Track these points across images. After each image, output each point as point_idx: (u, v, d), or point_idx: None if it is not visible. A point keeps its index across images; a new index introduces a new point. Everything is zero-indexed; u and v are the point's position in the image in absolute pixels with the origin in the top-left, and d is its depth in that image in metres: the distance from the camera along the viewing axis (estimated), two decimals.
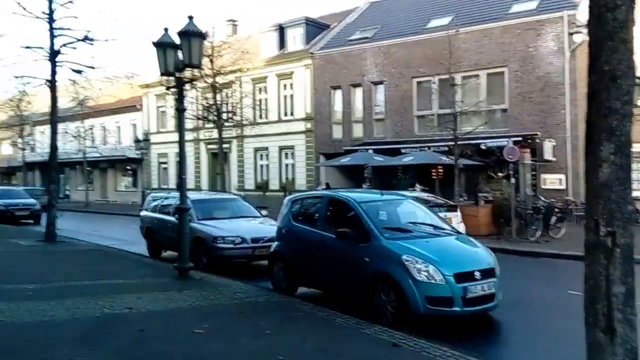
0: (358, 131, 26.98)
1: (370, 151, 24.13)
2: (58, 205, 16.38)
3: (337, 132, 27.66)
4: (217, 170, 35.23)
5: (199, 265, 11.06)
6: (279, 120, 30.07)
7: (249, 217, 12.46)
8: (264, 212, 12.92)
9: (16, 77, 24.24)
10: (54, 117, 16.37)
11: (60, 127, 48.81)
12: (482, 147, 20.39)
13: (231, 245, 10.93)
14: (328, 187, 24.83)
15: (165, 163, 39.48)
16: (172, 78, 10.33)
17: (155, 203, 14.16)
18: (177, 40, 9.83)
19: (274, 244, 9.39)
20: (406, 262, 6.91)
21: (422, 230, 7.90)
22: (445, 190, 19.61)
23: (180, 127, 10.07)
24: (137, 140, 33.38)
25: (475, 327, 7.25)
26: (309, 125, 28.71)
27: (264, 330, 6.33)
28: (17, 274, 9.86)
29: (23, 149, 47.67)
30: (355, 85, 26.90)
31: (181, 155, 9.99)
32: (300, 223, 8.88)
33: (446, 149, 20.55)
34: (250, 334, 6.15)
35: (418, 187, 19.92)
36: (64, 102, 48.90)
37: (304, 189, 26.38)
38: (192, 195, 12.55)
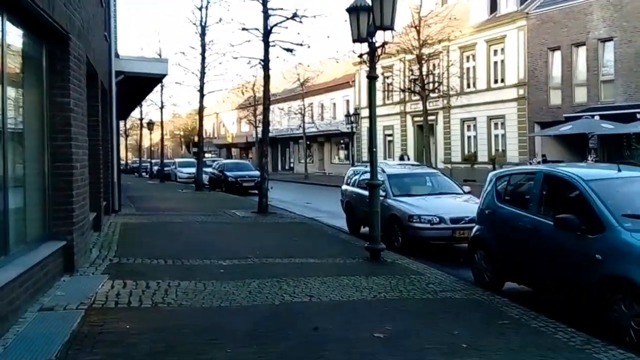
0: (581, 96, 23.18)
1: (596, 117, 20.46)
2: (282, 176, 16.62)
3: (555, 98, 24.12)
4: (423, 143, 33.82)
5: (394, 244, 9.91)
6: (488, 89, 27.36)
7: (450, 194, 10.89)
8: (466, 189, 11.18)
9: (234, 57, 24.93)
10: (267, 94, 16.42)
11: (285, 105, 52.11)
12: None
13: (428, 225, 9.53)
14: (545, 160, 21.77)
15: None
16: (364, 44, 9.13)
17: (355, 177, 13.30)
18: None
19: (475, 227, 7.74)
20: None
21: None
22: None
23: (370, 96, 8.84)
24: (347, 115, 33.35)
25: None
26: (521, 92, 25.59)
27: (458, 342, 4.86)
28: (220, 247, 9.72)
29: (256, 127, 51.29)
30: (578, 45, 23.05)
31: (371, 126, 8.78)
32: (507, 204, 7.08)
33: None
34: (440, 348, 4.74)
35: None
36: (288, 84, 51.82)
37: (515, 162, 23.59)
38: (388, 169, 11.40)
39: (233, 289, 6.65)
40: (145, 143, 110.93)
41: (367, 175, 12.32)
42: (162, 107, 38.46)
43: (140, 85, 18.78)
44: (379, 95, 38.19)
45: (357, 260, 8.69)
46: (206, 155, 75.07)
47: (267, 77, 16.10)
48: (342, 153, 45.61)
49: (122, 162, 71.77)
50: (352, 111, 37.01)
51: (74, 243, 7.26)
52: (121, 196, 15.30)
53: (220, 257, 8.69)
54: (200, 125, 27.61)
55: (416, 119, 32.90)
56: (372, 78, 8.79)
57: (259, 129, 54.42)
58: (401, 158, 25.55)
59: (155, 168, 41.59)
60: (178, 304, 6.01)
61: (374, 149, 8.70)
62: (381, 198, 9.44)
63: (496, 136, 27.44)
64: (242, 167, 27.16)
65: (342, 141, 44.65)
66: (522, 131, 25.39)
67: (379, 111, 38.96)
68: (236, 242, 10.43)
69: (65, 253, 7.20)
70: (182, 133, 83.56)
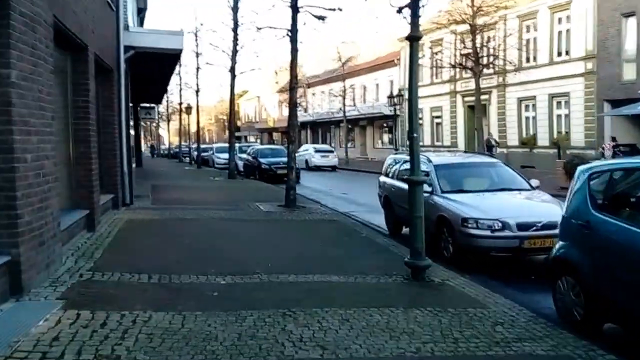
0: None
1: None
2: None
3: (630, 72, 21.17)
4: (475, 125, 31.22)
5: (442, 254, 7.90)
6: (550, 63, 24.52)
7: (514, 191, 8.71)
8: (534, 182, 8.93)
9: (258, 28, 22.99)
10: (294, 72, 14.48)
11: (326, 88, 50.07)
12: None
13: (487, 233, 7.45)
14: (616, 144, 19.12)
15: (420, 118, 36.60)
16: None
17: (395, 167, 11.28)
18: None
19: (558, 244, 5.65)
20: None
21: None
22: None
23: (412, 64, 6.80)
24: (390, 97, 31.08)
25: None
26: (589, 66, 22.69)
27: None
28: (226, 256, 7.95)
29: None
30: None
31: (411, 105, 6.76)
32: (609, 214, 4.96)
33: None
34: None
35: None
36: (329, 65, 49.73)
37: (581, 146, 20.93)
38: (435, 159, 9.30)
39: (219, 329, 4.85)
40: (193, 128, 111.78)
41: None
42: (197, 91, 37.08)
43: (159, 63, 17.21)
44: (426, 73, 35.68)
45: (394, 279, 6.73)
46: (250, 139, 74.59)
47: (294, 51, 14.15)
48: (385, 137, 43.35)
49: (165, 147, 71.85)
50: (396, 92, 34.64)
51: (20, 258, 5.61)
52: (133, 187, 13.73)
53: (221, 271, 6.91)
54: (232, 107, 26.01)
55: (467, 98, 30.33)
56: (414, 39, 6.76)
57: (300, 113, 53.01)
58: (488, 145, 22.88)
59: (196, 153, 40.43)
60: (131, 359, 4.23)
61: (414, 135, 6.67)
62: (426, 195, 7.46)
63: (559, 117, 24.65)
64: (277, 154, 25.35)
65: (385, 125, 42.39)
66: (589, 110, 22.55)
67: (426, 91, 36.62)
68: (248, 247, 8.63)
69: (9, 271, 5.56)
70: (225, 117, 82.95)
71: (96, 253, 7.88)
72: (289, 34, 14.23)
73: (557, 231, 7.13)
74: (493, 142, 23.13)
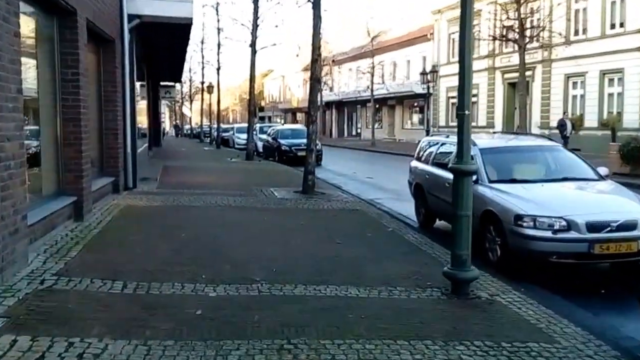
0: None
1: None
2: (349, 142, 13.43)
3: None
4: (516, 104, 29.35)
5: (488, 257, 6.53)
6: (603, 36, 22.49)
7: (579, 180, 7.21)
8: (603, 170, 7.39)
9: None
10: (316, 42, 13.06)
11: (354, 65, 48.37)
12: None
13: (547, 234, 6.01)
14: None
15: (454, 97, 34.80)
16: None
17: (430, 150, 9.86)
18: None
19: None
20: None
21: None
22: None
23: (464, 15, 5.30)
24: (423, 73, 29.38)
25: None
26: None
27: None
28: (224, 256, 6.71)
29: (321, 89, 47.53)
30: None
31: (464, 74, 5.28)
32: None
33: None
34: None
35: None
36: (357, 42, 47.96)
37: (635, 127, 19.04)
38: (480, 142, 7.86)
39: None
40: (216, 107, 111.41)
41: (447, 148, 8.98)
42: (218, 69, 35.87)
43: (170, 35, 16.00)
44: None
45: (430, 294, 5.39)
46: (275, 120, 73.39)
47: (317, 18, 12.74)
48: (415, 117, 41.65)
49: (187, 127, 71.20)
50: (429, 69, 32.86)
51: None
52: (137, 169, 12.59)
53: (214, 277, 5.69)
54: (251, 85, 24.70)
55: (507, 75, 28.45)
56: None
57: (325, 92, 51.47)
58: (562, 125, 20.53)
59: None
60: None
61: (465, 112, 5.24)
62: None
63: (610, 95, 22.68)
64: (298, 134, 23.97)
65: (415, 104, 40.65)
66: None
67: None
68: (253, 244, 7.37)
69: None
70: (249, 97, 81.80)
71: (73, 250, 6.74)
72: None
73: (637, 232, 5.74)
74: (568, 123, 20.66)
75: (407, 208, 10.77)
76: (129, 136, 12.07)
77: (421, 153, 10.25)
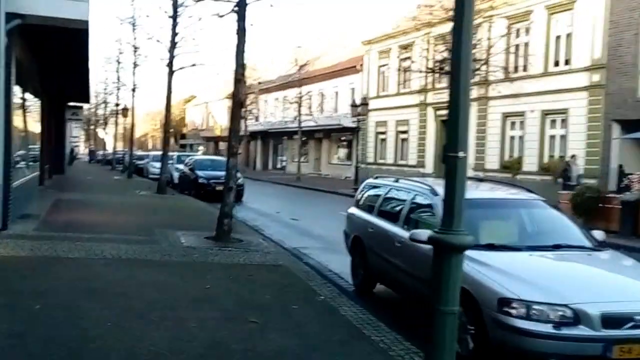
0: None
1: None
2: (272, 176, 11.54)
3: None
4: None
5: (462, 352, 4.83)
6: (545, 73, 21.79)
7: (574, 249, 5.59)
8: (598, 235, 5.85)
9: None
10: (240, 59, 11.22)
11: (280, 95, 46.91)
12: None
13: (547, 328, 4.36)
14: (622, 172, 16.69)
15: (383, 133, 33.97)
16: None
17: (373, 196, 8.21)
18: None
19: None
20: None
21: None
22: None
23: (460, 19, 3.67)
24: (353, 105, 28.18)
25: None
26: (596, 78, 19.91)
27: None
28: (78, 354, 4.61)
29: (245, 118, 45.36)
30: None
31: (456, 98, 3.64)
32: None
33: None
34: None
35: None
36: (283, 70, 46.61)
37: (579, 174, 18.18)
38: (441, 190, 6.25)
39: None
40: (138, 133, 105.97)
41: (398, 195, 7.36)
42: (133, 89, 33.22)
43: (64, 43, 13.70)
44: (392, 82, 32.88)
45: None
46: (200, 148, 70.39)
47: (241, 31, 10.95)
48: (342, 152, 40.49)
49: (100, 152, 66.86)
50: (358, 101, 31.83)
51: None
52: (8, 207, 10.10)
53: None
54: (167, 109, 22.52)
55: (440, 112, 27.73)
56: None
57: (250, 122, 49.54)
58: (565, 170, 17.97)
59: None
60: None
61: (459, 154, 3.60)
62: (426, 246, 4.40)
63: (552, 137, 21.85)
64: (218, 166, 21.68)
65: (343, 138, 39.55)
66: (593, 132, 19.71)
67: (392, 102, 33.89)
68: (131, 327, 5.29)
69: None
70: (164, 121, 78.26)
71: None
72: (236, 8, 11.05)
73: None
74: (574, 168, 17.88)
75: (339, 262, 9.13)
76: (1, 163, 9.63)
77: (362, 199, 8.59)
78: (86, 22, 11.28)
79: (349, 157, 38.43)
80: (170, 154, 30.94)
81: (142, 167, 36.42)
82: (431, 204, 6.36)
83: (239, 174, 20.02)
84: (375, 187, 8.38)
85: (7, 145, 9.62)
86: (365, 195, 8.59)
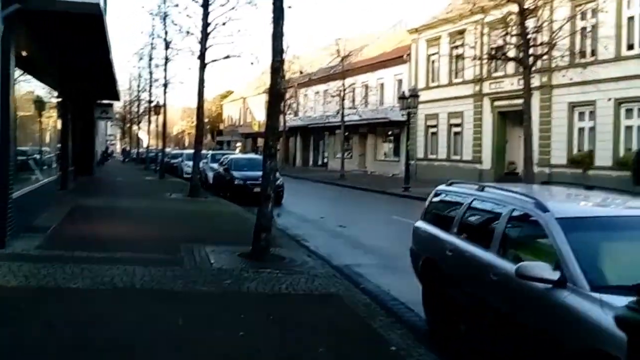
0: None
1: None
2: (313, 174, 9.97)
3: None
4: (507, 137, 26.72)
5: None
6: (618, 58, 19.77)
7: None
8: None
9: None
10: (278, 44, 9.71)
11: (321, 88, 45.37)
12: None
13: None
14: None
15: (434, 127, 32.05)
16: None
17: (449, 205, 6.59)
18: None
19: None
20: None
21: None
22: None
23: None
24: (402, 97, 26.36)
25: None
26: None
27: None
28: None
29: (284, 113, 43.71)
30: None
31: None
32: None
33: None
34: None
35: None
36: (324, 62, 45.02)
37: None
38: (556, 205, 4.67)
39: None
40: (175, 130, 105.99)
41: (487, 207, 5.73)
42: (165, 85, 32.24)
43: (76, 34, 12.47)
44: (442, 72, 30.84)
45: None
46: (237, 145, 69.37)
47: (278, 11, 9.44)
48: (387, 147, 38.68)
49: (134, 151, 66.66)
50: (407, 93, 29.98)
51: None
52: (6, 220, 8.83)
53: None
54: (200, 104, 21.19)
55: (498, 102, 25.73)
56: None
57: (289, 117, 48.10)
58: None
59: (165, 160, 35.27)
60: None
61: None
62: (542, 287, 3.06)
63: (628, 127, 19.88)
64: (255, 165, 20.15)
65: (389, 132, 37.74)
66: None
67: (443, 93, 31.79)
68: None
69: None
70: (207, 120, 77.89)
71: None
72: None
73: None
74: None
75: (402, 285, 7.58)
76: None
77: (433, 211, 6.94)
78: (97, 6, 9.93)
79: (396, 152, 36.65)
80: (204, 152, 29.89)
81: (176, 166, 35.53)
82: (539, 222, 4.68)
83: (277, 174, 18.48)
84: (451, 196, 6.72)
85: (4, 151, 8.32)
86: (438, 206, 6.94)
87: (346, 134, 37.95)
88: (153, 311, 5.96)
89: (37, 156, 13.46)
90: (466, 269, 5.66)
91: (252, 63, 34.75)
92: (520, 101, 18.42)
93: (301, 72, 44.22)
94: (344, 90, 35.34)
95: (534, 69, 18.08)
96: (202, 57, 20.52)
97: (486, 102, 27.01)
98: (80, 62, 16.11)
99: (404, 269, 7.53)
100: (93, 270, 7.54)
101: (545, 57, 19.14)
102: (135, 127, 63.51)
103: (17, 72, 11.85)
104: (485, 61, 21.60)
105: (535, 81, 21.50)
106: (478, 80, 26.58)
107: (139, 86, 49.73)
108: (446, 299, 6.01)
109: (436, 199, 7.02)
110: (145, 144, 65.44)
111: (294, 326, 5.73)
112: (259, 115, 58.16)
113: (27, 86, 12.56)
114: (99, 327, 5.36)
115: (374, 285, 8.10)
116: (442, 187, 7.06)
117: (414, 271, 7.09)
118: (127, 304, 6.17)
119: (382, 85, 38.34)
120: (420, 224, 7.09)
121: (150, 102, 42.05)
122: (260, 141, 60.23)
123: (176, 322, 5.61)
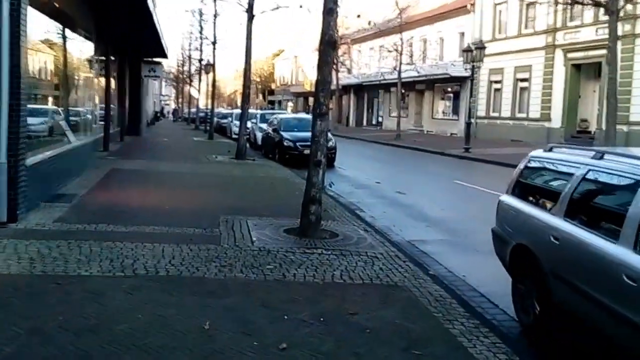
0: None
1: None
2: (367, 134, 8.72)
3: None
4: (580, 92, 24.41)
5: None
6: None
7: None
8: None
9: None
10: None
11: (376, 43, 43.28)
12: None
13: None
14: None
15: (498, 82, 29.82)
16: None
17: (551, 178, 5.17)
18: None
19: None
20: None
21: None
22: None
23: None
24: (466, 50, 24.30)
25: None
26: None
27: None
28: None
29: (337, 70, 41.91)
30: None
31: None
32: None
33: None
34: None
35: None
36: (381, 16, 42.75)
37: None
38: None
39: None
40: (228, 90, 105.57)
41: (617, 185, 4.24)
42: (214, 42, 31.19)
43: None
44: (512, 23, 28.26)
45: None
46: (289, 104, 68.16)
47: None
48: (445, 105, 36.60)
49: (185, 111, 66.39)
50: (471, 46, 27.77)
51: None
52: (18, 190, 7.88)
53: None
54: (247, 61, 19.89)
55: (573, 54, 23.40)
56: None
57: (341, 74, 46.23)
58: None
59: (215, 120, 34.44)
60: None
61: None
62: None
63: None
64: (306, 126, 18.76)
65: (449, 89, 35.62)
66: None
67: (510, 46, 29.31)
68: None
69: None
70: (258, 79, 76.72)
71: None
72: None
73: None
74: None
75: (478, 269, 6.53)
76: (3, 132, 7.30)
77: (527, 184, 5.48)
78: None
79: (454, 110, 34.62)
80: (253, 111, 28.79)
81: (224, 126, 34.72)
82: None
83: (329, 135, 17.05)
84: (553, 164, 5.23)
85: (14, 113, 7.28)
86: (534, 178, 5.47)
87: (402, 91, 36.07)
88: (175, 309, 4.80)
89: (72, 117, 12.58)
90: (580, 266, 4.25)
91: (300, 6, 32.85)
92: (598, 52, 16.40)
93: (358, 16, 42.20)
94: (402, 45, 33.33)
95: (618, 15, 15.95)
96: (250, 9, 19.26)
97: (559, 54, 24.64)
98: (119, 14, 15.07)
99: (476, 246, 6.43)
100: (114, 250, 6.47)
101: (632, 1, 16.94)
102: (187, 87, 63.13)
103: (50, 24, 10.88)
104: (562, 7, 19.37)
105: (619, 29, 19.20)
106: (551, 30, 24.21)
107: (190, 45, 49.07)
108: (548, 299, 4.62)
109: (530, 168, 5.54)
110: (201, 104, 65.13)
111: (352, 333, 4.46)
112: (310, 74, 56.59)
113: (59, 40, 11.58)
114: (100, 336, 4.23)
115: (443, 268, 6.79)
116: (538, 152, 5.56)
117: (498, 259, 5.72)
118: (143, 299, 5.01)
119: (442, 39, 36.09)
120: (508, 199, 5.66)
121: (200, 60, 41.29)
122: (312, 101, 58.88)
123: (202, 325, 4.44)
